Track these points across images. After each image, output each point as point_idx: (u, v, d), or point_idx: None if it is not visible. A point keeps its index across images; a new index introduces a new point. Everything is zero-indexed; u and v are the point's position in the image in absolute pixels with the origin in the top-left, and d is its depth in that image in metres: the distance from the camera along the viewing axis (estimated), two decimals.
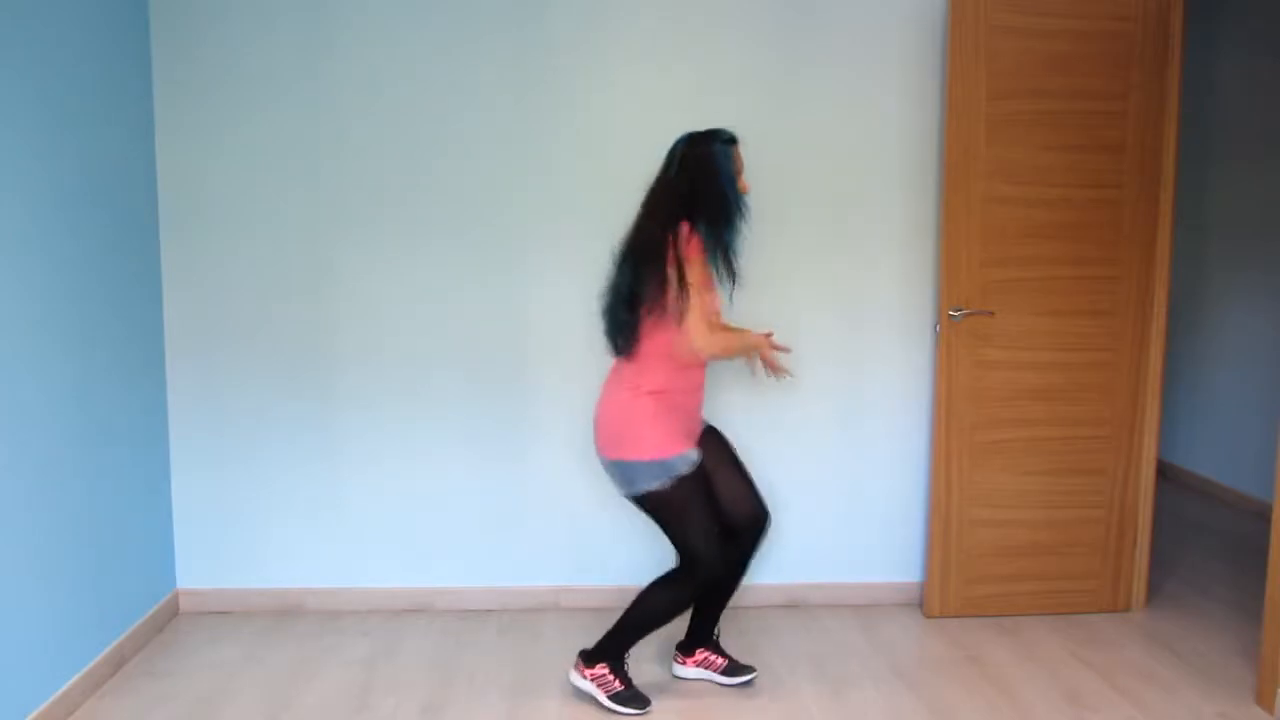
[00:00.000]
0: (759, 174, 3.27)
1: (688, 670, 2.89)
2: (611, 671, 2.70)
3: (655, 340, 2.59)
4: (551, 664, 2.93)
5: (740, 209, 2.63)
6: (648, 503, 2.62)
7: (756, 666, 2.89)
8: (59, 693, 2.57)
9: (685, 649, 2.90)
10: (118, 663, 2.88)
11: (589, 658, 2.72)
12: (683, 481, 2.58)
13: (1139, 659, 3.02)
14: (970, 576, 3.31)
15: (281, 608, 3.33)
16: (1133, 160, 3.20)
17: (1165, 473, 4.94)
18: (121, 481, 2.96)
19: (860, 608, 3.41)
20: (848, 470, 3.41)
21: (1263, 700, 2.71)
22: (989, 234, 3.17)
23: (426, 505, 3.34)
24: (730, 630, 3.19)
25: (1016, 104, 3.13)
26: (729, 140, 2.64)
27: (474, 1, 3.18)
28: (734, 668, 2.85)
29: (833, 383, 3.37)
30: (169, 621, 3.24)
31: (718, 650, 2.88)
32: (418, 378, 3.29)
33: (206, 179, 3.19)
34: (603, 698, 2.68)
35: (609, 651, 2.70)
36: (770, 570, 3.42)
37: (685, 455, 2.60)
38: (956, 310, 3.18)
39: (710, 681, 2.86)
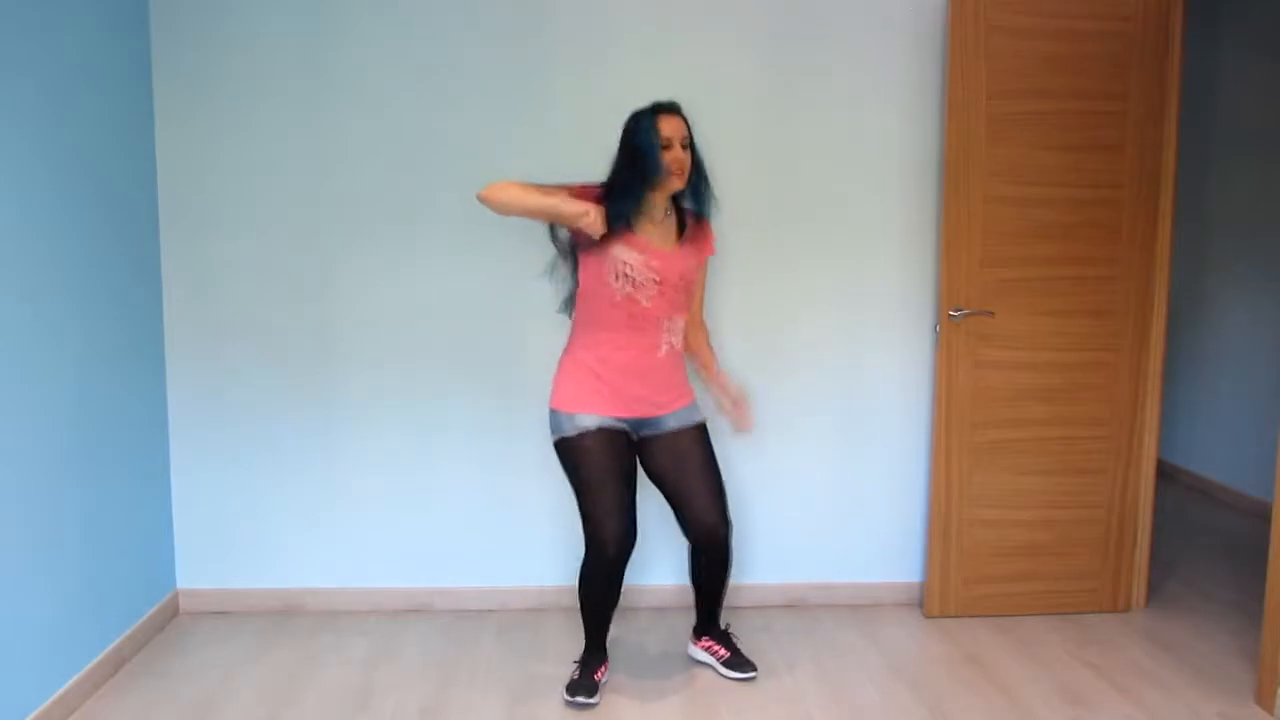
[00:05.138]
0: (757, 173, 3.29)
1: (696, 652, 2.98)
2: (578, 659, 2.82)
3: (579, 307, 2.74)
4: (552, 664, 2.93)
5: (644, 177, 2.59)
6: (557, 454, 2.73)
7: (758, 666, 2.89)
8: (59, 693, 2.57)
9: (696, 632, 2.99)
10: (118, 663, 2.88)
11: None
12: (571, 443, 2.64)
13: (1139, 659, 3.02)
14: (970, 576, 3.31)
15: (281, 608, 3.33)
16: (1132, 160, 3.20)
17: (1165, 473, 4.93)
18: (121, 481, 2.96)
19: (860, 608, 3.41)
20: (848, 470, 3.41)
21: (1263, 700, 2.71)
22: (989, 234, 3.17)
23: (426, 505, 3.34)
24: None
25: (1016, 104, 3.13)
26: (653, 110, 2.62)
27: (474, 3, 3.18)
28: (735, 662, 2.89)
29: (833, 382, 3.37)
30: (169, 621, 3.24)
31: (722, 642, 2.94)
32: (418, 377, 3.29)
33: (206, 179, 3.19)
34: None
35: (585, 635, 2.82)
36: (770, 570, 3.42)
37: (574, 416, 2.65)
38: (956, 310, 3.18)
39: (712, 669, 2.91)
